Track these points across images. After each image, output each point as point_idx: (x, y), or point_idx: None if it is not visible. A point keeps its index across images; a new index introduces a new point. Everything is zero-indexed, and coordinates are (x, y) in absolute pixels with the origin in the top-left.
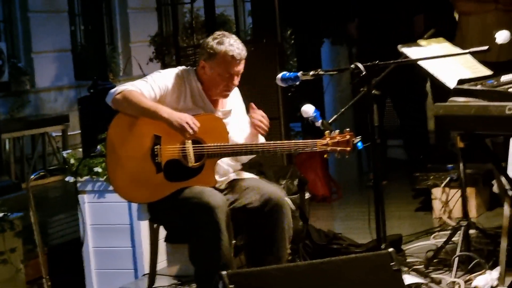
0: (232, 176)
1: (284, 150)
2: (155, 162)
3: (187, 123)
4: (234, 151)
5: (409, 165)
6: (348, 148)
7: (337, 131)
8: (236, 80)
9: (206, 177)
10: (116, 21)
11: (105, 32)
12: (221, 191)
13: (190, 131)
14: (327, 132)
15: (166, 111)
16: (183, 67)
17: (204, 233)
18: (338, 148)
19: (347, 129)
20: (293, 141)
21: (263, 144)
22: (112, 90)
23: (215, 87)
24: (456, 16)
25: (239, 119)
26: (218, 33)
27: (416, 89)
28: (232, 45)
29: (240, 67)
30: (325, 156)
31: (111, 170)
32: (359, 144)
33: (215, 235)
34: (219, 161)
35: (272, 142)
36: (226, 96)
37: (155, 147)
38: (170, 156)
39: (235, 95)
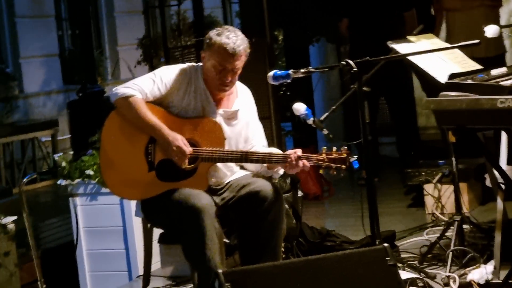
0: (229, 176)
1: (279, 160)
2: (148, 161)
3: (179, 146)
4: (228, 157)
5: (401, 162)
6: (344, 166)
7: (335, 148)
8: (230, 76)
9: (198, 180)
10: (103, 24)
11: (93, 36)
12: (216, 191)
13: (181, 158)
14: (324, 147)
15: (160, 133)
16: (192, 63)
17: (190, 235)
18: (334, 165)
19: (345, 147)
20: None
21: (259, 153)
22: (120, 91)
23: (211, 79)
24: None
25: (246, 125)
26: (224, 26)
27: (407, 85)
28: (229, 38)
29: (236, 64)
30: (320, 171)
31: (104, 165)
32: (355, 162)
33: (201, 237)
34: (221, 166)
35: (268, 152)
36: (223, 91)
37: (150, 145)
38: (163, 156)
39: (247, 98)
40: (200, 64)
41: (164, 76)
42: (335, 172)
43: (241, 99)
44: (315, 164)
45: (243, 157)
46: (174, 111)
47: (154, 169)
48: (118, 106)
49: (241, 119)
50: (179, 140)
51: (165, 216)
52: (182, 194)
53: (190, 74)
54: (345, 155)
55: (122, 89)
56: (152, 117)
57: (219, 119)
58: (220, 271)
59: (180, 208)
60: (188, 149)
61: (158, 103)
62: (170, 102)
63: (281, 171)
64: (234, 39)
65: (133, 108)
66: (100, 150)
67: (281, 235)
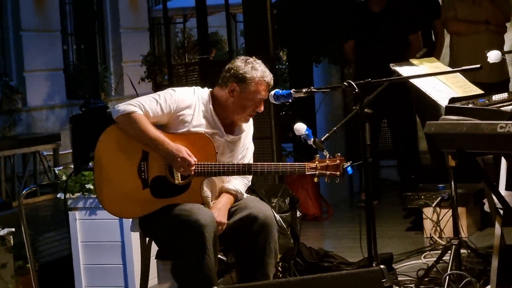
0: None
1: (271, 171)
2: (141, 178)
3: (183, 157)
4: (221, 171)
5: (401, 185)
6: (338, 173)
7: (328, 155)
8: (262, 106)
9: (192, 195)
10: (109, 40)
11: (98, 51)
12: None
13: (187, 168)
14: (317, 156)
15: (163, 146)
16: (199, 87)
17: (190, 250)
18: (328, 172)
19: (338, 154)
20: (282, 163)
21: (251, 165)
22: (121, 108)
23: (242, 110)
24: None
25: (243, 149)
26: (248, 58)
27: (409, 109)
28: (265, 71)
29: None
30: (315, 179)
31: (98, 184)
32: (349, 169)
33: (201, 253)
34: (217, 182)
35: (259, 163)
36: (248, 120)
37: (142, 163)
38: (156, 173)
39: (249, 124)
40: (207, 89)
41: (169, 98)
42: (329, 180)
43: (245, 125)
44: (308, 172)
45: (234, 170)
46: (172, 130)
47: (148, 187)
48: (120, 122)
49: (242, 144)
50: (183, 152)
51: (164, 230)
52: (183, 208)
53: (198, 96)
54: (338, 161)
55: (123, 106)
56: (154, 131)
57: (224, 143)
58: None
59: (182, 222)
60: (193, 159)
61: (157, 125)
62: (169, 123)
63: None
64: (267, 71)
65: (134, 124)
66: (94, 165)
67: (271, 256)
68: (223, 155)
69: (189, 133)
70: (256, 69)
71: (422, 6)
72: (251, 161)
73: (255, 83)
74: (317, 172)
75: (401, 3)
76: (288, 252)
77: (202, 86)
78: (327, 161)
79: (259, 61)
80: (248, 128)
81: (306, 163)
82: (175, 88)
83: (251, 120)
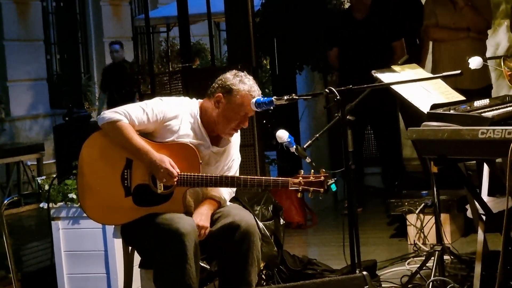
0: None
1: (254, 184)
2: (124, 186)
3: (166, 168)
4: (204, 182)
5: (385, 192)
6: (321, 189)
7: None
8: (247, 122)
9: (174, 205)
10: (92, 50)
11: (81, 61)
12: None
13: (170, 179)
14: (301, 170)
15: (147, 156)
16: (188, 98)
17: (171, 259)
18: (311, 188)
19: (323, 170)
20: (265, 177)
21: (234, 177)
22: (107, 116)
23: (226, 123)
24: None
25: (229, 160)
26: (239, 72)
27: (393, 116)
28: (253, 86)
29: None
30: (298, 195)
31: (81, 191)
32: (333, 186)
33: (182, 262)
34: (201, 192)
35: (243, 176)
36: (231, 135)
37: (125, 170)
38: (139, 181)
39: (236, 136)
40: (197, 100)
41: (156, 107)
42: (312, 196)
43: (231, 137)
44: (292, 188)
45: (217, 182)
46: (158, 139)
47: (130, 195)
48: (105, 130)
49: (228, 155)
50: (166, 162)
51: (144, 238)
52: (164, 217)
53: (186, 106)
54: (322, 178)
55: (109, 114)
56: (138, 140)
57: (209, 154)
58: None
59: (162, 231)
60: (176, 170)
61: (143, 133)
62: (156, 132)
63: None
64: (255, 87)
65: (119, 133)
66: (77, 172)
67: (254, 265)
68: (209, 166)
69: (174, 143)
70: (244, 83)
71: (406, 13)
72: (237, 172)
73: (241, 96)
74: (300, 188)
75: (384, 10)
76: (272, 260)
77: (185, 95)
78: (311, 177)
79: (250, 77)
80: (234, 139)
81: (290, 179)
82: (163, 98)
83: (238, 139)
